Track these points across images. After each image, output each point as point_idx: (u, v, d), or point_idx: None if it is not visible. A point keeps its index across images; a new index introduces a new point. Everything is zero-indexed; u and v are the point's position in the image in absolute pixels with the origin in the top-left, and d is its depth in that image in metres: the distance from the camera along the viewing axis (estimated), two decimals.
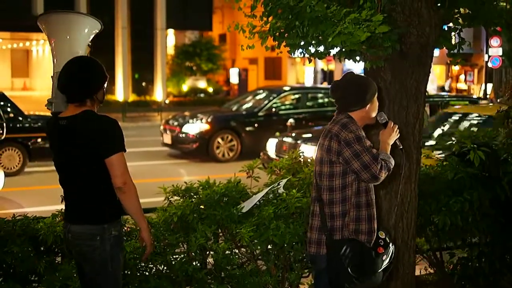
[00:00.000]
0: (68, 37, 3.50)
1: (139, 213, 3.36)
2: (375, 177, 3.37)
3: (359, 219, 3.42)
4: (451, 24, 4.81)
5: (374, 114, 3.57)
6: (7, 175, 10.45)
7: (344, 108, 3.53)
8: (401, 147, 3.65)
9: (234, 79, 37.21)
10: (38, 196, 9.59)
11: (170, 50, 33.57)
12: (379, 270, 3.46)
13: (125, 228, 4.04)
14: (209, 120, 14.12)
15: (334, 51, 4.40)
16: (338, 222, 3.43)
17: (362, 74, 3.77)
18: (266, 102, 14.60)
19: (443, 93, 19.55)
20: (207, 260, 4.27)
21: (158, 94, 30.04)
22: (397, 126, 3.61)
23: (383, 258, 3.46)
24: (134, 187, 3.30)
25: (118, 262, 3.34)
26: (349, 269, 3.38)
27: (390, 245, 3.51)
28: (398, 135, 3.60)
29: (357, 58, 4.46)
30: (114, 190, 3.28)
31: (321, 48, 4.31)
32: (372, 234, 3.45)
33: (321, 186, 3.48)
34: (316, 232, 3.50)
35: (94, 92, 3.32)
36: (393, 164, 3.49)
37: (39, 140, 11.61)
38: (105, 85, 3.38)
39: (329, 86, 3.82)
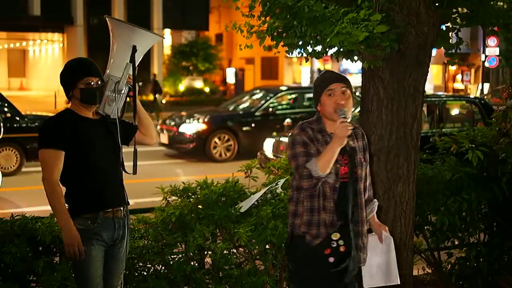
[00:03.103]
0: (129, 46, 3.61)
1: (55, 211, 3.44)
2: (300, 184, 3.30)
3: (311, 223, 3.32)
4: (449, 24, 4.82)
5: (330, 113, 3.32)
6: (4, 175, 10.45)
7: None
8: (349, 147, 3.32)
9: (230, 79, 37.18)
10: (36, 196, 9.49)
11: (167, 50, 33.53)
12: (327, 271, 3.30)
13: None
14: (206, 120, 14.11)
15: (332, 51, 4.40)
16: (291, 220, 3.42)
17: (322, 73, 3.54)
18: (263, 102, 14.59)
19: (440, 93, 19.56)
20: (205, 260, 4.26)
21: None
22: (349, 126, 3.20)
23: (330, 260, 3.31)
24: (50, 187, 3.42)
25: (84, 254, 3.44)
26: (294, 265, 3.38)
27: (341, 249, 3.31)
28: (349, 132, 3.20)
29: (355, 58, 4.46)
30: (76, 187, 3.52)
31: (319, 48, 4.31)
32: (317, 239, 3.31)
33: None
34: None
35: (67, 90, 3.56)
36: (319, 173, 3.20)
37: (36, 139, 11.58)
38: (82, 84, 3.50)
39: None
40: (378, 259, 3.56)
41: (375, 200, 3.60)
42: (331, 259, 3.31)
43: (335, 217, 3.32)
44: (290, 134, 3.39)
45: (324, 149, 3.27)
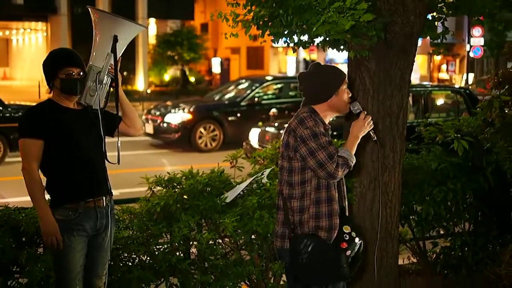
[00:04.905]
0: (111, 37, 3.57)
1: (34, 201, 3.45)
2: (331, 175, 3.26)
3: (319, 215, 3.33)
4: (434, 13, 4.81)
5: (343, 105, 3.41)
6: None
7: (307, 100, 3.44)
8: (375, 139, 3.49)
9: (216, 68, 37.06)
10: (20, 186, 9.43)
11: (152, 40, 33.32)
12: (344, 265, 3.35)
13: None
14: (191, 110, 14.05)
15: (318, 40, 4.38)
16: (297, 217, 3.36)
17: (329, 64, 3.59)
18: (248, 91, 14.55)
19: (425, 83, 19.64)
20: (191, 251, 4.25)
21: (140, 83, 29.86)
22: (370, 118, 3.41)
23: (347, 253, 3.35)
24: (30, 177, 3.45)
25: (63, 244, 3.43)
26: (309, 264, 3.32)
27: (356, 240, 3.38)
28: (371, 126, 3.41)
29: (341, 47, 4.44)
30: (57, 177, 3.51)
31: (305, 37, 4.29)
32: (332, 231, 3.34)
33: (282, 180, 3.43)
34: (280, 226, 3.44)
35: (48, 80, 3.53)
36: (353, 161, 3.33)
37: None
38: (63, 74, 3.47)
39: None
40: None
41: None
42: (349, 252, 3.36)
43: (338, 207, 3.41)
44: (306, 127, 3.29)
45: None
